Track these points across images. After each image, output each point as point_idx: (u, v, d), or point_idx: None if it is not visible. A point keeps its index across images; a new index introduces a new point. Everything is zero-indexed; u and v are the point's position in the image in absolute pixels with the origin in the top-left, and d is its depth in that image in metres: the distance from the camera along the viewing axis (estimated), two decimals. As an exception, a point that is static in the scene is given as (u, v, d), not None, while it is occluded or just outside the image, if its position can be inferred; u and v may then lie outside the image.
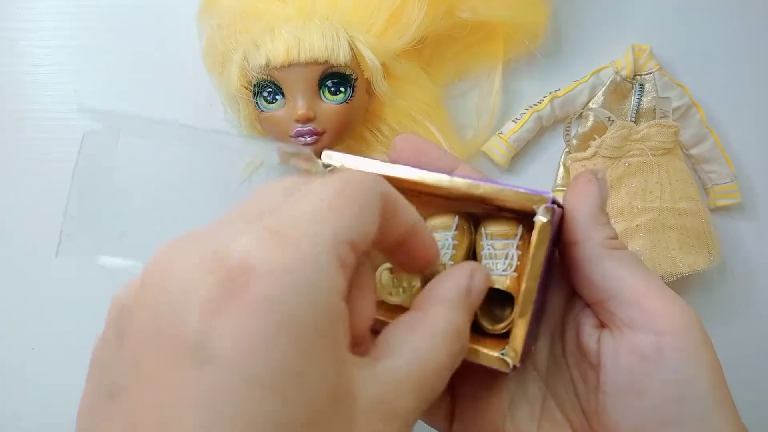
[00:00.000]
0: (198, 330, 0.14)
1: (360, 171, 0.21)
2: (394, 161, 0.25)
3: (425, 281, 0.25)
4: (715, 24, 0.49)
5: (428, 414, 0.28)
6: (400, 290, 0.25)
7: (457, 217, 0.25)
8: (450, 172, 0.24)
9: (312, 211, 0.17)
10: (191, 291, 0.15)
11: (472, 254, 0.25)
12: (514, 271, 0.24)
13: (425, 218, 0.25)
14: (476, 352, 0.23)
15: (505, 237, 0.25)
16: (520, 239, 0.24)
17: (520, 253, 0.24)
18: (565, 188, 0.47)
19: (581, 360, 0.25)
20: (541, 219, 0.22)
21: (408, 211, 0.21)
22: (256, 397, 0.14)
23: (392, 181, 0.21)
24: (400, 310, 0.24)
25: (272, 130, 0.41)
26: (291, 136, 0.40)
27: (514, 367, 0.22)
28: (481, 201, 0.24)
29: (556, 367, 0.26)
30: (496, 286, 0.24)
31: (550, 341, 0.27)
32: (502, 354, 0.22)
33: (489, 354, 0.22)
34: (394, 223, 0.20)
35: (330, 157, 0.24)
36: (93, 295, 0.49)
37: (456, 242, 0.25)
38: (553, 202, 0.22)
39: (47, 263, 0.49)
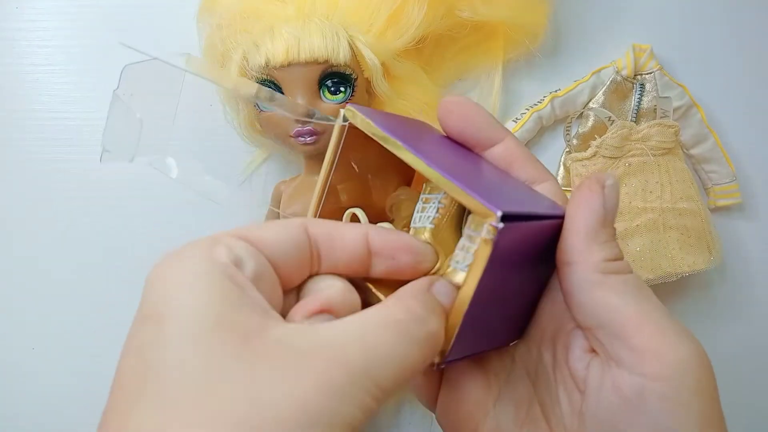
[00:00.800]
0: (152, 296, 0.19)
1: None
2: (440, 122, 0.26)
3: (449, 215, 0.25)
4: (716, 24, 0.49)
5: (415, 392, 0.28)
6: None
7: None
8: (489, 146, 0.25)
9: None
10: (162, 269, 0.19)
11: (456, 224, 0.26)
12: (431, 223, 0.24)
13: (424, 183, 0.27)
14: None
15: (435, 191, 0.25)
16: (444, 197, 0.24)
17: (441, 206, 0.24)
18: (565, 188, 0.47)
19: (569, 379, 0.23)
20: (485, 237, 0.20)
21: (350, 227, 0.22)
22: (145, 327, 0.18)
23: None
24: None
25: (272, 130, 0.41)
26: (291, 136, 0.40)
27: (438, 365, 0.22)
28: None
29: (545, 376, 0.25)
30: (418, 235, 0.24)
31: (540, 349, 0.25)
32: None
33: None
34: (338, 237, 0.22)
35: (351, 112, 0.25)
36: (93, 295, 0.49)
37: (441, 206, 0.25)
38: (510, 217, 0.20)
39: (47, 263, 0.49)
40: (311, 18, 0.40)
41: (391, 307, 0.20)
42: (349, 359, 0.17)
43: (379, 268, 0.23)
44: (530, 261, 0.23)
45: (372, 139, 0.24)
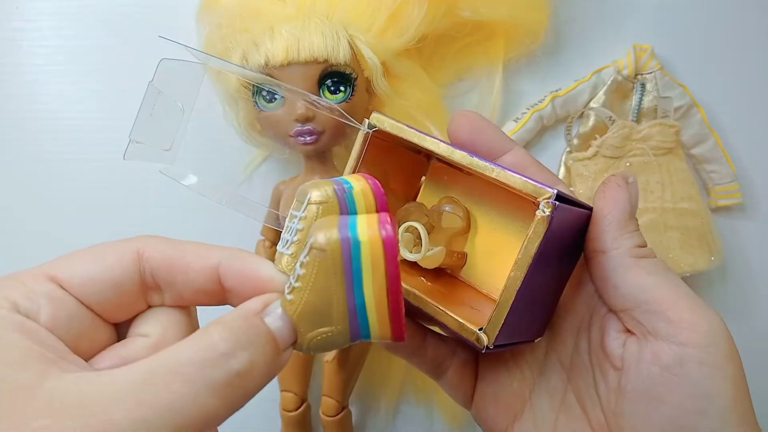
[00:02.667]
0: None
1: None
2: (450, 135, 0.27)
3: (449, 243, 0.28)
4: (717, 24, 0.49)
5: (451, 391, 0.29)
6: (420, 248, 0.27)
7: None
8: (500, 155, 0.27)
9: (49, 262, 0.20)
10: None
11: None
12: (288, 248, 0.22)
13: (444, 201, 0.29)
14: (460, 324, 0.24)
15: (297, 209, 0.23)
16: (303, 216, 0.22)
17: (300, 228, 0.22)
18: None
19: (605, 360, 0.25)
20: (540, 212, 0.22)
21: (198, 256, 0.21)
22: None
23: (427, 150, 0.25)
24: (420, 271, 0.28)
25: (271, 129, 0.41)
26: (290, 136, 0.40)
27: (487, 348, 0.23)
28: (495, 182, 0.25)
29: (580, 363, 0.26)
30: (277, 262, 0.22)
31: (576, 337, 0.27)
32: (480, 330, 0.23)
33: (470, 328, 0.23)
34: (181, 271, 0.21)
35: (378, 119, 0.26)
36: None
37: (300, 227, 0.23)
38: (559, 198, 0.22)
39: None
40: (311, 17, 0.39)
41: (191, 343, 0.17)
42: (114, 419, 0.15)
43: (235, 302, 0.21)
44: (560, 253, 0.25)
45: (378, 155, 0.26)
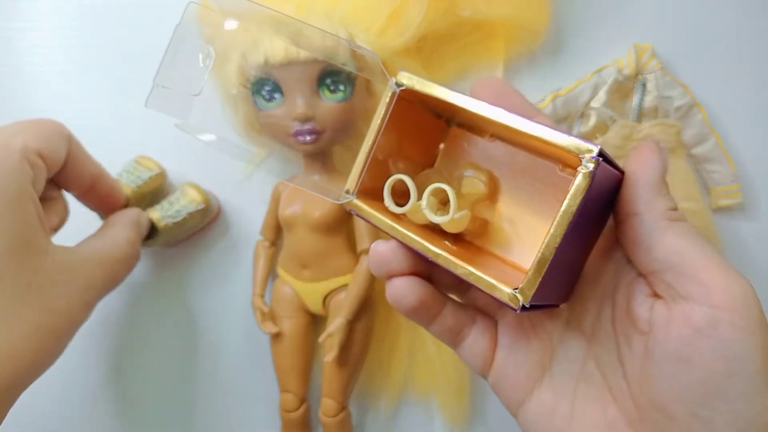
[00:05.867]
0: None
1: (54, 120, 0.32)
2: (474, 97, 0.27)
3: (471, 209, 0.27)
4: (718, 24, 0.49)
5: (469, 359, 0.29)
6: (441, 212, 0.26)
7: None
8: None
9: (10, 129, 0.30)
10: None
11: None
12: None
13: (465, 167, 0.29)
14: (492, 285, 0.24)
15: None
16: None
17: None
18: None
19: (630, 326, 0.25)
20: (585, 168, 0.22)
21: (91, 162, 0.35)
22: None
23: (459, 110, 0.25)
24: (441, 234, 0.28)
25: (271, 129, 0.41)
26: (290, 135, 0.40)
27: (524, 307, 0.23)
28: (534, 140, 0.24)
29: (603, 330, 0.26)
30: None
31: (599, 304, 0.27)
32: (515, 290, 0.23)
33: (503, 289, 0.23)
34: (80, 164, 0.34)
35: (407, 77, 0.26)
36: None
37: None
38: (600, 154, 0.22)
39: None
40: (311, 16, 0.39)
41: (120, 239, 0.36)
42: (96, 284, 0.34)
43: (91, 201, 0.39)
44: (592, 216, 0.24)
45: (395, 118, 0.26)
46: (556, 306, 0.27)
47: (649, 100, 0.47)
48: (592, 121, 0.47)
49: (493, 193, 0.29)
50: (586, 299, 0.28)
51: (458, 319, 0.29)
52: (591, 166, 0.22)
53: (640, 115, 0.47)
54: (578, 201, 0.22)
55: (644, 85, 0.47)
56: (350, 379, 0.45)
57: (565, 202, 0.22)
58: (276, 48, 0.38)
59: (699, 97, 0.48)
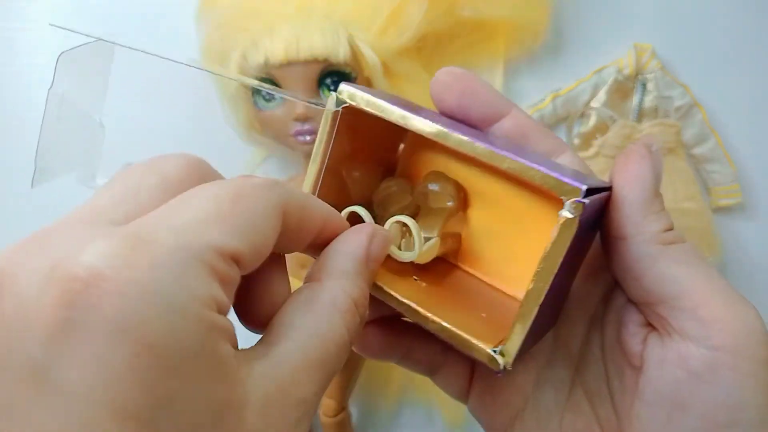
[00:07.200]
0: (40, 360, 0.12)
1: (260, 179, 0.18)
2: (435, 98, 0.23)
3: (442, 226, 0.24)
4: (718, 24, 0.49)
5: (446, 389, 0.27)
6: (410, 244, 0.23)
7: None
8: (496, 120, 0.23)
9: (188, 220, 0.15)
10: (30, 312, 0.13)
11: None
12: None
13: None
14: (470, 343, 0.21)
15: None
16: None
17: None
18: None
19: (621, 357, 0.22)
20: (567, 214, 0.18)
21: (317, 210, 0.19)
22: (121, 429, 0.12)
23: (411, 130, 0.21)
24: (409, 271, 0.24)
25: (271, 129, 0.41)
26: (290, 135, 0.40)
27: (505, 368, 0.20)
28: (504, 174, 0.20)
29: (591, 356, 0.24)
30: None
31: (587, 328, 0.24)
32: (494, 351, 0.20)
33: (482, 348, 0.20)
34: (303, 227, 0.19)
35: (346, 93, 0.22)
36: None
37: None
38: (589, 191, 0.18)
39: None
40: (311, 16, 0.39)
41: (337, 320, 0.18)
42: (314, 400, 0.17)
43: (305, 248, 0.21)
44: (584, 235, 0.21)
45: (344, 126, 0.22)
46: (545, 334, 0.24)
47: (649, 100, 0.47)
48: (592, 121, 0.47)
49: (463, 203, 0.25)
50: (574, 321, 0.24)
51: (428, 350, 0.26)
52: (576, 213, 0.18)
53: (640, 115, 0.47)
54: (563, 252, 0.18)
55: (644, 85, 0.47)
56: (350, 380, 0.45)
57: (546, 253, 0.19)
58: (276, 48, 0.38)
59: (699, 97, 0.48)
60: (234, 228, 0.15)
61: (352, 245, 0.20)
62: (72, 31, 0.22)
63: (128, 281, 0.13)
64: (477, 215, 0.25)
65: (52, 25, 0.23)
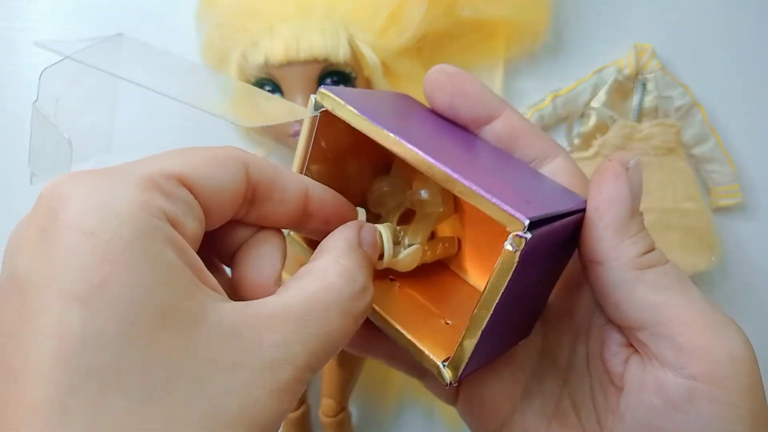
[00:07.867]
0: (17, 262, 0.15)
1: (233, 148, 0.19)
2: (428, 97, 0.23)
3: (436, 231, 0.24)
4: (718, 24, 0.49)
5: (434, 391, 0.26)
6: (401, 248, 0.23)
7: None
8: (487, 122, 0.22)
9: (150, 156, 0.17)
10: (19, 226, 0.16)
11: None
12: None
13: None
14: (421, 353, 0.20)
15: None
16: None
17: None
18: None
19: (604, 374, 0.22)
20: (507, 247, 0.17)
21: (292, 180, 0.20)
22: (65, 310, 0.14)
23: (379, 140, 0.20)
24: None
25: (271, 129, 0.41)
26: (290, 135, 0.40)
27: (450, 384, 0.20)
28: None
29: (578, 368, 0.23)
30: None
31: (573, 341, 0.24)
32: (443, 364, 0.20)
33: (432, 360, 0.20)
34: (278, 194, 0.19)
35: (328, 99, 0.21)
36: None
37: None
38: (539, 222, 0.18)
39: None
40: (311, 16, 0.39)
41: (330, 278, 0.18)
42: (296, 357, 0.16)
43: (308, 228, 0.21)
44: (546, 259, 0.20)
45: (331, 126, 0.21)
46: (514, 345, 0.24)
47: (649, 100, 0.47)
48: (592, 121, 0.47)
49: (453, 208, 0.25)
50: (561, 332, 0.24)
51: None
52: (517, 246, 0.17)
53: (640, 115, 0.47)
54: (505, 283, 0.18)
55: (644, 85, 0.47)
56: (350, 380, 0.45)
57: (489, 283, 0.18)
58: (276, 48, 0.38)
59: (699, 97, 0.48)
60: (182, 161, 0.17)
61: (344, 231, 0.21)
62: (56, 52, 0.24)
63: (79, 193, 0.15)
64: (465, 221, 0.25)
65: (37, 44, 0.24)
